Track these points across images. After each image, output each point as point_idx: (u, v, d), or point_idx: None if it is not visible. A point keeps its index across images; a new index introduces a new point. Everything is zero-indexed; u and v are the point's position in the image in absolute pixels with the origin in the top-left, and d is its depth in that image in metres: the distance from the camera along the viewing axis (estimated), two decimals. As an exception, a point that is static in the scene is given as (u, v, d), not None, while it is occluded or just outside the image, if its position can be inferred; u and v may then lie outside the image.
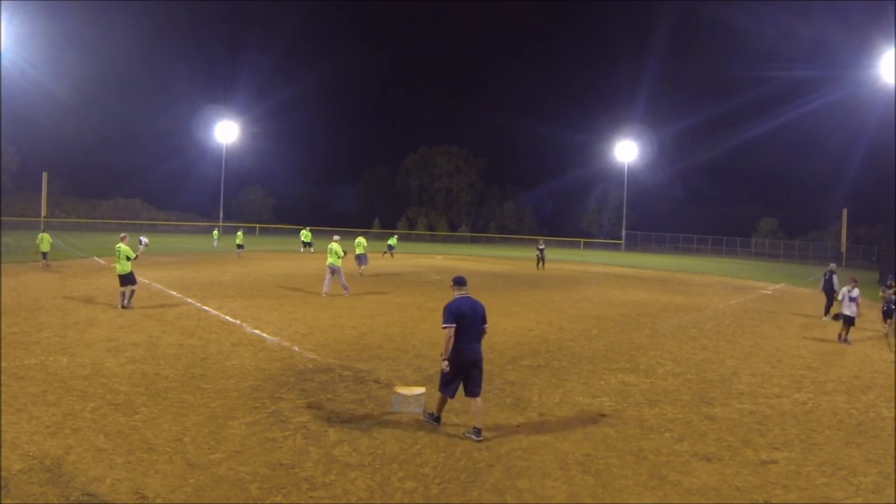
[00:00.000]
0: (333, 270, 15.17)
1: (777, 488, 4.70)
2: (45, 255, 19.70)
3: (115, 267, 12.29)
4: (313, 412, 6.02)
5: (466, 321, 5.46)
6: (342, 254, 15.32)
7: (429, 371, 7.82)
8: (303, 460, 4.84)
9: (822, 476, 4.98)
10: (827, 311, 15.10)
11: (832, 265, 15.91)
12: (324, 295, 14.73)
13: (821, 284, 15.93)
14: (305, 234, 35.28)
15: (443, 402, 5.71)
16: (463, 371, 5.52)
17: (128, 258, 12.08)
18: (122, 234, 12.78)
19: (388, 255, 33.39)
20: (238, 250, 29.54)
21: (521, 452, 5.19)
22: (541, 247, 29.15)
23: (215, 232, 40.80)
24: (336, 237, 16.02)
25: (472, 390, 5.55)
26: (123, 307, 11.81)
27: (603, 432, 5.80)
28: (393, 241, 35.61)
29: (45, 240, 19.88)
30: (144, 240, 13.80)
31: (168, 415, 5.76)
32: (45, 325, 9.86)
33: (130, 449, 4.90)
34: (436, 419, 5.79)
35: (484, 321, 5.67)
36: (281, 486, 4.36)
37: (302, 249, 34.38)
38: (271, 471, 4.61)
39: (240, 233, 30.80)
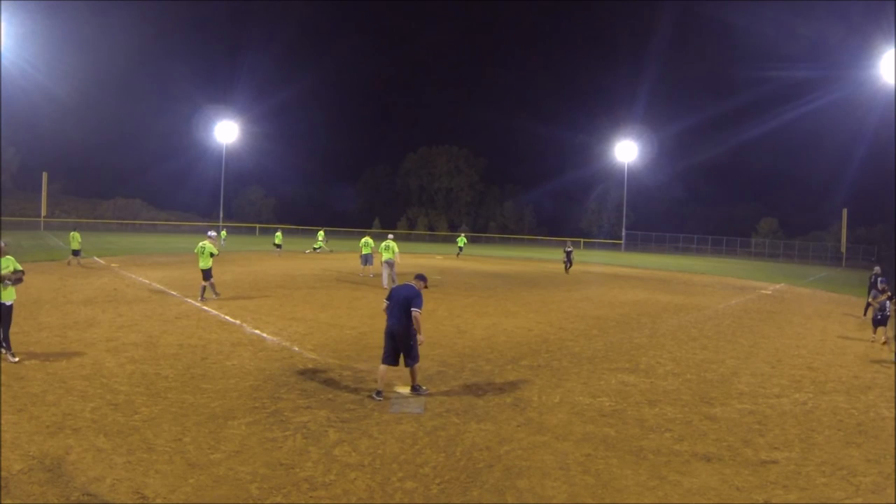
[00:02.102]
0: (390, 265, 17.35)
1: (777, 488, 4.70)
2: (75, 252, 20.94)
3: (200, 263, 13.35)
4: (313, 412, 6.02)
5: (392, 301, 6.81)
6: (397, 250, 17.74)
7: (429, 371, 7.83)
8: (303, 460, 4.84)
9: (822, 476, 4.98)
10: (866, 312, 15.06)
11: (877, 268, 15.55)
12: (384, 287, 16.63)
13: (868, 287, 15.56)
14: (321, 235, 35.47)
15: (381, 373, 6.70)
16: (390, 339, 6.70)
17: (211, 255, 13.27)
18: (211, 233, 14.31)
19: (459, 256, 34.29)
20: (277, 249, 30.66)
21: (521, 452, 5.19)
22: (568, 248, 27.38)
23: (223, 232, 41.13)
24: (390, 235, 18.36)
25: (405, 361, 6.69)
26: (203, 299, 13.05)
27: (603, 432, 5.80)
28: (462, 241, 36.30)
29: (75, 238, 21.15)
30: (214, 233, 14.88)
31: (168, 415, 5.76)
32: (45, 325, 9.87)
33: (130, 449, 4.90)
34: (377, 392, 6.60)
35: (409, 304, 6.67)
36: (281, 486, 4.36)
37: (308, 251, 34.38)
38: (271, 471, 4.61)
39: (279, 233, 32.12)
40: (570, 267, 26.86)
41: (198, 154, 68.32)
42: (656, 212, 74.09)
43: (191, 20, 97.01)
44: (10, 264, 7.54)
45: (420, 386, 6.88)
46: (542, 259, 38.60)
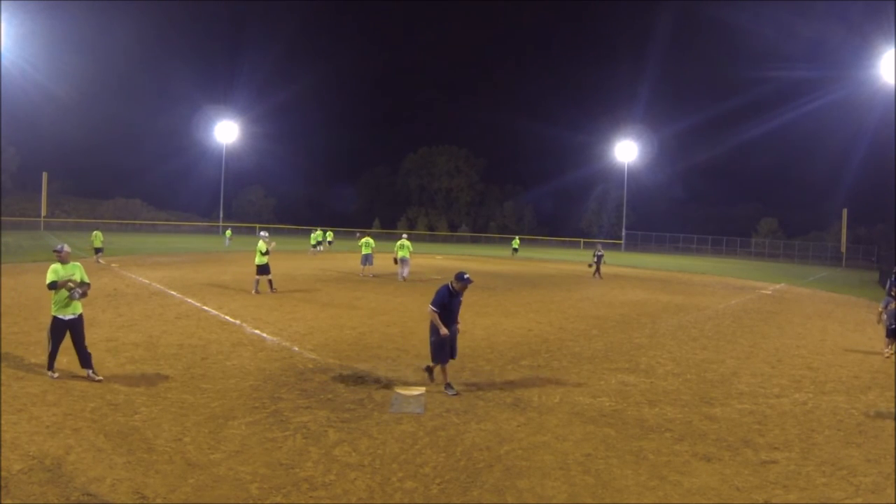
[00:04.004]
0: (405, 262, 19.38)
1: (777, 488, 4.70)
2: (98, 250, 22.12)
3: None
4: (313, 412, 6.02)
5: None
6: (411, 249, 19.73)
7: (429, 371, 7.82)
8: (303, 460, 4.84)
9: (822, 476, 4.98)
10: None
11: None
12: (402, 280, 18.97)
13: (887, 288, 15.08)
14: (322, 234, 35.84)
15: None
16: None
17: (265, 252, 14.68)
18: (263, 234, 15.62)
19: (515, 256, 35.43)
20: (312, 249, 32.06)
21: (521, 452, 5.19)
22: (599, 252, 24.70)
23: (228, 231, 41.30)
24: (405, 235, 20.37)
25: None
26: (257, 292, 14.59)
27: (603, 432, 5.79)
28: (516, 242, 37.91)
29: (98, 237, 22.52)
30: (265, 234, 16.01)
31: (168, 415, 5.76)
32: (45, 325, 9.80)
33: (130, 449, 4.90)
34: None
35: None
36: (281, 486, 4.36)
37: (321, 248, 34.77)
38: (271, 471, 4.61)
39: (318, 231, 33.47)
40: (595, 271, 24.27)
41: (198, 154, 68.51)
42: (656, 212, 74.20)
43: (191, 20, 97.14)
44: (76, 271, 6.89)
45: (450, 385, 6.92)
46: (543, 259, 38.58)
